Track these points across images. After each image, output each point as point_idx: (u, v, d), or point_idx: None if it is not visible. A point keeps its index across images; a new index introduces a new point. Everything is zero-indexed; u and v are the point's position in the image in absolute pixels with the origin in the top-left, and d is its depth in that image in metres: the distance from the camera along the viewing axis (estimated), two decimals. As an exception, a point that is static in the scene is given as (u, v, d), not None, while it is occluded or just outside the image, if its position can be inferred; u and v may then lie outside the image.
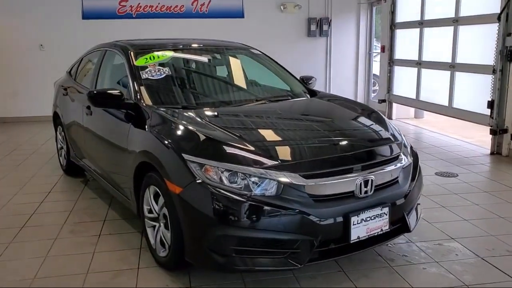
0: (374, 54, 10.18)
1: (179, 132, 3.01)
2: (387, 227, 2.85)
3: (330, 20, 9.93)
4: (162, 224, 3.03)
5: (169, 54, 4.03)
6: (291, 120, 3.40)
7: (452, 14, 6.81)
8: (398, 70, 8.54)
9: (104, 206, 4.34)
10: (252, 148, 2.75)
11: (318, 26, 9.90)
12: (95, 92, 3.54)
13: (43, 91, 9.02)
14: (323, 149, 2.92)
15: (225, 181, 2.62)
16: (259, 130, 3.19)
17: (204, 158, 2.70)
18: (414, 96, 7.96)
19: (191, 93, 3.84)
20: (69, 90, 4.99)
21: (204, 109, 3.44)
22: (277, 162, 2.68)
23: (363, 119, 3.49)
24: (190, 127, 2.99)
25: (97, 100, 3.53)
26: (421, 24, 7.63)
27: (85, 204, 4.43)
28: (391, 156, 3.03)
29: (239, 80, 4.31)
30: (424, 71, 7.71)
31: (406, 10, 8.20)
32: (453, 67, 6.86)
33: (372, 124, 3.37)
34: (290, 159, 2.77)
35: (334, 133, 3.18)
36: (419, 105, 7.99)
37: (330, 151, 2.89)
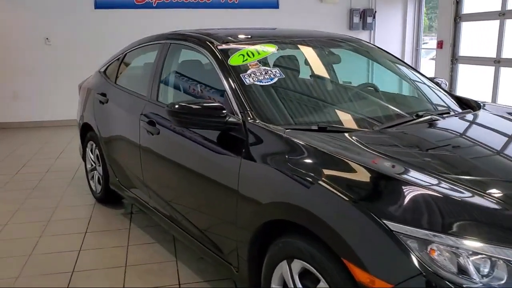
0: (427, 49, 9.09)
1: (359, 178, 1.80)
2: None
3: (375, 12, 8.83)
4: (320, 326, 1.87)
5: (270, 49, 2.84)
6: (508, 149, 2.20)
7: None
8: (463, 69, 7.45)
9: (169, 257, 3.16)
10: (504, 208, 1.60)
11: (361, 18, 8.80)
12: (177, 106, 2.33)
13: (49, 92, 7.83)
14: None
15: (474, 273, 1.48)
16: (479, 171, 1.95)
17: (429, 230, 1.54)
18: (489, 99, 6.87)
19: (320, 106, 2.62)
20: (109, 96, 3.77)
21: (357, 132, 2.26)
22: None
23: None
24: (381, 169, 1.80)
25: (185, 118, 2.33)
26: (503, 14, 6.53)
27: (142, 254, 3.24)
28: None
29: (365, 85, 3.12)
30: (504, 70, 6.62)
31: (476, 0, 7.11)
32: (551, 65, 5.79)
33: None
34: None
35: None
36: (496, 109, 6.88)
37: None
